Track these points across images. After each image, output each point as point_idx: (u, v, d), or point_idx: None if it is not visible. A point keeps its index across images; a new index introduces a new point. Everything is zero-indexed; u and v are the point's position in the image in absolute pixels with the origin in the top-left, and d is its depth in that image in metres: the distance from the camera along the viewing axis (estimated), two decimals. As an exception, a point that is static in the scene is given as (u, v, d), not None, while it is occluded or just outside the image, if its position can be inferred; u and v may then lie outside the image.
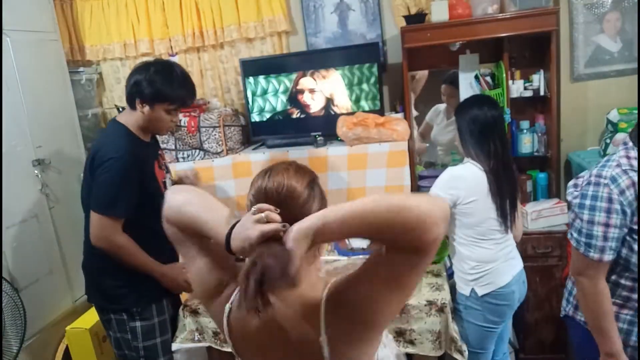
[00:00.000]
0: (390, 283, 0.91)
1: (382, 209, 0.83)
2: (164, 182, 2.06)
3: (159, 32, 3.13)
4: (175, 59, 3.20)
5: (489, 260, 1.93)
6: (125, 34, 3.17)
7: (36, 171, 2.65)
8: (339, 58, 2.77)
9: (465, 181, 1.91)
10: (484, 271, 1.92)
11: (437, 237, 0.83)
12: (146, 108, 1.89)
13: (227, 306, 1.04)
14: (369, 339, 0.98)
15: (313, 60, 2.84)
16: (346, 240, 2.38)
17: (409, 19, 2.61)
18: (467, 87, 2.73)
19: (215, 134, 2.73)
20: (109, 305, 2.01)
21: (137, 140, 1.96)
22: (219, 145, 2.75)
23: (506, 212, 1.92)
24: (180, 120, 2.78)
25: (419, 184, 2.80)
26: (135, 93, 1.89)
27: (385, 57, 2.95)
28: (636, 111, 2.47)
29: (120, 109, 3.03)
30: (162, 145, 2.84)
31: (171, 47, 3.15)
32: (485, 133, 1.91)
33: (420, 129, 3.06)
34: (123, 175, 1.83)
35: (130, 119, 1.95)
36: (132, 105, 1.91)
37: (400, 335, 1.95)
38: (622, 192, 1.37)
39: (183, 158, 2.81)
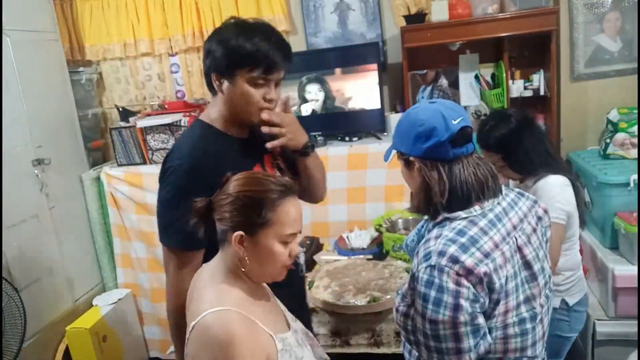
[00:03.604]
0: None
1: None
2: None
3: (159, 32, 3.13)
4: (176, 59, 3.21)
5: (578, 267, 1.81)
6: (125, 33, 3.17)
7: (36, 171, 2.65)
8: (339, 58, 2.77)
9: (570, 189, 1.72)
10: (574, 279, 1.79)
11: None
12: (225, 84, 1.32)
13: None
14: None
15: (313, 60, 2.84)
16: (346, 240, 2.38)
17: (409, 18, 2.61)
18: (467, 87, 2.73)
19: (215, 134, 2.71)
20: None
21: (220, 137, 1.38)
22: (219, 145, 2.73)
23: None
24: (180, 120, 2.78)
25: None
26: (210, 67, 1.33)
27: (385, 57, 2.95)
28: (636, 111, 2.47)
29: (120, 109, 3.04)
30: (162, 145, 2.83)
31: (171, 47, 3.15)
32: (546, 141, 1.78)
33: None
34: (181, 191, 1.28)
35: (212, 110, 1.41)
36: (212, 88, 1.37)
37: (400, 335, 1.95)
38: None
39: (183, 158, 2.79)
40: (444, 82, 2.86)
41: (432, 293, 0.97)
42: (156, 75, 3.29)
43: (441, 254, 0.98)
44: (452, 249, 0.98)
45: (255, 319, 1.04)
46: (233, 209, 1.05)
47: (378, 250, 2.31)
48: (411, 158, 1.09)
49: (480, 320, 0.99)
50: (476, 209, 1.04)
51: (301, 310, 1.51)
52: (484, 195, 1.05)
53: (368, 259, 2.26)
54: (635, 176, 2.15)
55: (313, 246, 2.42)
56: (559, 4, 2.63)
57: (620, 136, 2.45)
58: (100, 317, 2.66)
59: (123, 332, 2.82)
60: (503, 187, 1.12)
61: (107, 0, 3.14)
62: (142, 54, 3.21)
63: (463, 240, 1.00)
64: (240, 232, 1.04)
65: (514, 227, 1.06)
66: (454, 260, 0.97)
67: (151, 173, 2.78)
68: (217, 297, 1.05)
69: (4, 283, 2.23)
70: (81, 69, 3.19)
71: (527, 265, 1.05)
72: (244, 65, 1.28)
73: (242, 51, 1.27)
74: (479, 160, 1.08)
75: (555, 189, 1.67)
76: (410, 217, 2.39)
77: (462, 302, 0.96)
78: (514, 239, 1.05)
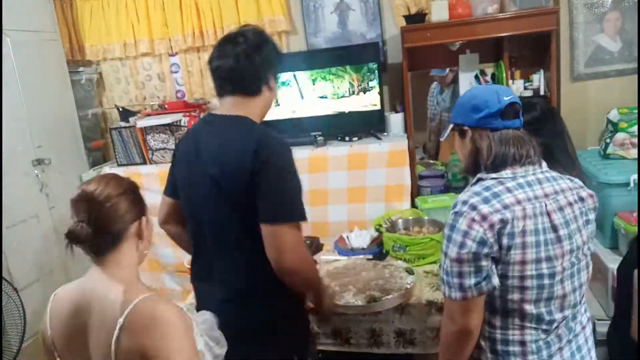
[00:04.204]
0: None
1: None
2: None
3: (159, 32, 3.14)
4: (176, 59, 3.21)
5: None
6: (125, 33, 3.17)
7: (36, 171, 2.65)
8: (339, 58, 2.77)
9: None
10: None
11: None
12: (274, 85, 1.46)
13: None
14: None
15: (313, 60, 2.84)
16: (346, 240, 2.38)
17: (409, 18, 2.61)
18: (467, 87, 2.73)
19: (215, 134, 2.72)
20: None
21: None
22: (219, 145, 2.74)
23: None
24: (180, 120, 2.78)
25: (419, 184, 2.80)
26: (269, 69, 1.41)
27: (385, 57, 2.95)
28: (636, 111, 2.47)
29: (120, 109, 3.04)
30: (162, 145, 2.84)
31: (171, 47, 3.16)
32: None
33: (432, 126, 3.07)
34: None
35: (254, 111, 1.42)
36: (256, 90, 1.41)
37: (400, 335, 1.95)
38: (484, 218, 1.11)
39: (183, 158, 2.80)
40: None
41: (449, 232, 1.15)
42: (156, 75, 3.29)
43: (464, 203, 1.15)
44: (474, 200, 1.14)
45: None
46: (128, 204, 1.14)
47: (378, 250, 2.30)
48: (465, 127, 1.25)
49: (484, 262, 1.12)
50: (507, 173, 1.18)
51: None
52: (519, 163, 1.19)
53: (368, 259, 2.26)
54: (635, 176, 2.15)
55: (313, 246, 2.41)
56: (559, 4, 2.63)
57: (620, 136, 2.45)
58: (100, 317, 2.66)
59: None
60: (545, 165, 1.25)
61: (107, 0, 3.14)
62: (142, 54, 3.21)
63: (487, 194, 1.15)
64: (144, 216, 1.18)
65: (546, 195, 1.17)
66: (473, 207, 1.13)
67: (151, 173, 2.78)
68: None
69: (4, 283, 2.23)
70: (81, 69, 3.20)
71: (554, 228, 1.15)
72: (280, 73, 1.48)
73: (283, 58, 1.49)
74: (524, 135, 1.21)
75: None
76: (410, 217, 2.39)
77: (468, 241, 1.11)
78: (543, 204, 1.15)
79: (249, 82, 1.39)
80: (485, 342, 1.21)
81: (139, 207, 1.17)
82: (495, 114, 1.19)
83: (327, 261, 2.31)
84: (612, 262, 2.11)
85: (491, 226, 1.10)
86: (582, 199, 1.22)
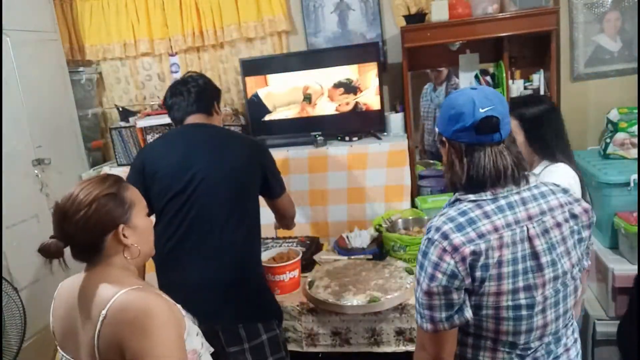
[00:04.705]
0: None
1: None
2: None
3: (159, 32, 3.13)
4: (175, 59, 3.21)
5: None
6: (125, 33, 3.17)
7: (36, 171, 2.65)
8: (339, 58, 2.77)
9: (579, 184, 1.71)
10: None
11: None
12: (219, 110, 1.96)
13: None
14: None
15: (313, 60, 2.84)
16: (346, 240, 2.38)
17: (409, 18, 2.61)
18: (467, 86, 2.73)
19: (215, 134, 2.73)
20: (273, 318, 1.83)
21: None
22: (219, 145, 2.75)
23: None
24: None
25: (419, 184, 2.80)
26: (216, 96, 1.94)
27: (385, 56, 2.95)
28: (636, 111, 2.47)
29: (120, 109, 3.04)
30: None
31: (171, 47, 3.15)
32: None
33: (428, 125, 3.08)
34: None
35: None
36: (210, 111, 1.89)
37: (400, 334, 1.95)
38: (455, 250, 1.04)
39: (183, 158, 2.80)
40: (456, 80, 2.87)
41: (421, 259, 1.09)
42: (156, 75, 3.29)
43: (437, 229, 1.07)
44: (447, 227, 1.06)
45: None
46: (102, 212, 1.09)
47: (378, 250, 2.30)
48: (444, 138, 1.16)
49: (455, 296, 1.05)
50: (487, 194, 1.10)
51: None
52: (499, 183, 1.09)
53: (368, 259, 2.26)
54: (635, 176, 2.15)
55: (313, 246, 2.41)
56: (559, 4, 2.63)
57: (620, 136, 2.45)
58: (100, 317, 2.66)
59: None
60: (534, 180, 1.15)
61: (107, 0, 3.14)
62: (142, 54, 3.21)
63: (461, 219, 1.06)
64: (121, 225, 1.12)
65: (529, 218, 1.08)
66: (444, 236, 1.05)
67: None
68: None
69: (4, 283, 2.23)
70: (81, 69, 3.20)
71: (534, 255, 1.07)
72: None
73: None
74: (505, 150, 1.10)
75: (570, 180, 1.65)
76: (410, 217, 2.39)
77: (439, 274, 1.05)
78: (525, 229, 1.07)
79: (207, 104, 1.86)
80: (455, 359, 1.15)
81: (111, 216, 1.11)
82: (469, 127, 1.08)
83: (327, 261, 2.31)
84: (612, 262, 2.11)
85: (463, 259, 1.03)
86: (574, 217, 1.13)
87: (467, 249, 1.03)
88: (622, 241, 2.14)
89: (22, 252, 2.51)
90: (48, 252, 1.09)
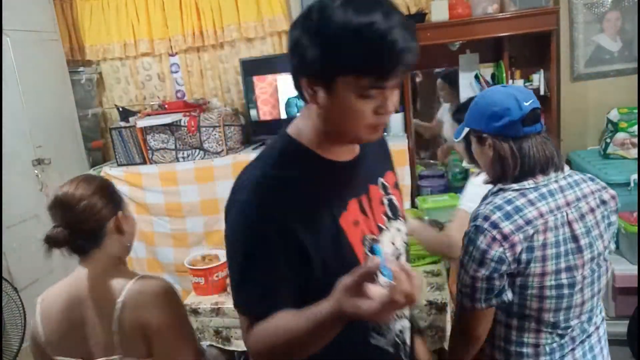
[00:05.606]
0: None
1: None
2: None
3: (159, 32, 3.13)
4: (175, 59, 3.21)
5: None
6: (125, 33, 3.17)
7: (36, 171, 2.65)
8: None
9: None
10: None
11: None
12: (321, 93, 0.90)
13: None
14: None
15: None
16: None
17: (408, 18, 2.60)
18: (467, 87, 2.73)
19: (215, 134, 2.73)
20: None
21: (312, 162, 0.99)
22: (219, 145, 2.75)
23: None
24: (180, 120, 2.78)
25: (419, 184, 2.79)
26: (298, 66, 0.91)
27: (385, 56, 2.94)
28: (636, 111, 2.47)
29: (120, 109, 3.04)
30: (162, 145, 2.83)
31: (171, 47, 3.15)
32: None
33: (432, 123, 3.09)
34: (250, 243, 0.92)
35: (304, 122, 1.01)
36: (302, 95, 0.95)
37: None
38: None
39: (183, 158, 2.80)
40: None
41: (468, 245, 1.13)
42: (156, 75, 3.29)
43: (485, 217, 1.12)
44: (496, 216, 1.11)
45: None
46: (101, 202, 1.18)
47: (378, 250, 2.30)
48: (484, 135, 1.20)
49: (497, 282, 1.11)
50: (529, 183, 1.15)
51: None
52: (547, 170, 1.16)
53: (368, 259, 2.26)
54: (635, 176, 2.15)
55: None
56: (559, 4, 2.63)
57: (620, 136, 2.45)
58: (100, 317, 2.66)
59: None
60: (567, 169, 1.22)
61: (107, 0, 3.14)
62: (142, 54, 3.21)
63: (508, 208, 1.11)
64: (120, 211, 1.21)
65: (568, 204, 1.14)
66: (494, 225, 1.10)
67: (151, 173, 2.78)
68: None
69: (4, 283, 2.23)
70: (81, 69, 3.19)
71: (574, 238, 1.13)
72: (347, 73, 0.85)
73: (345, 54, 0.83)
74: (545, 138, 1.18)
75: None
76: (410, 217, 2.38)
77: (487, 261, 1.10)
78: (565, 214, 1.13)
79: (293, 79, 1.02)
80: (500, 342, 1.22)
81: (112, 203, 1.20)
82: (517, 121, 1.14)
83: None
84: (613, 262, 2.10)
85: (512, 246, 1.09)
86: (604, 202, 1.19)
87: (517, 237, 1.09)
88: (622, 241, 2.14)
89: (22, 252, 2.51)
90: (56, 241, 1.15)
